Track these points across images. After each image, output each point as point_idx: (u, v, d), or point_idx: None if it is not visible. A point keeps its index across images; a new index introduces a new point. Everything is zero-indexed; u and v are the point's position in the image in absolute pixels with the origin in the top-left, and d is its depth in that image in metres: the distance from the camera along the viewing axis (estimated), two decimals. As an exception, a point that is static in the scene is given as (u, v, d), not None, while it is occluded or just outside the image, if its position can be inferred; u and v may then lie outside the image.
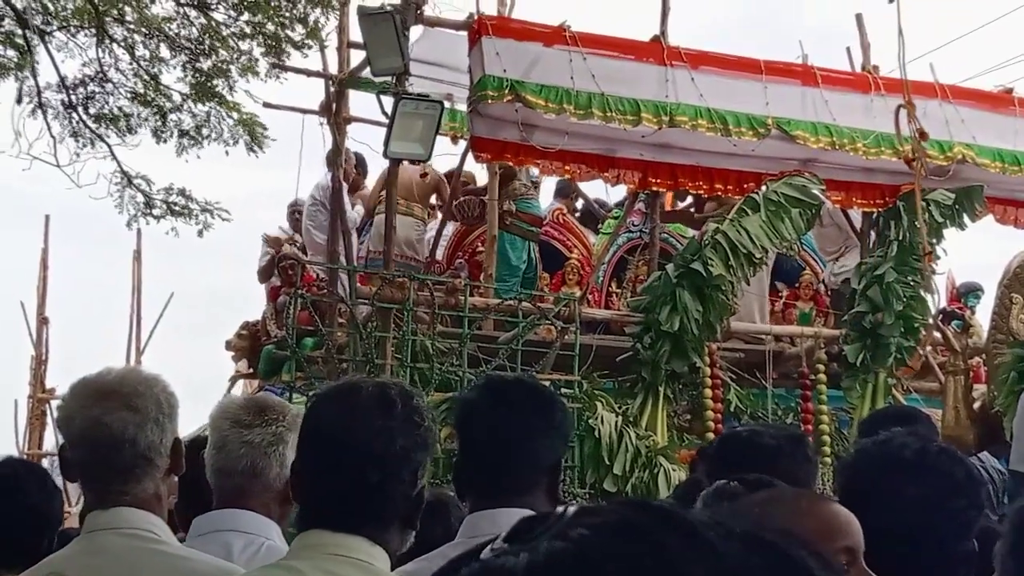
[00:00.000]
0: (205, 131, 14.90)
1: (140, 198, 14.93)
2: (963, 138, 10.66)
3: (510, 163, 10.45)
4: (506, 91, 9.35)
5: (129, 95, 14.79)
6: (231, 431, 3.30)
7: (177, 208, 14.96)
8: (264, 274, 12.66)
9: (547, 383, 7.98)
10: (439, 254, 11.48)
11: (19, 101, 14.33)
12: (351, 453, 2.55)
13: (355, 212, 11.54)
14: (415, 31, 10.06)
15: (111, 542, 2.83)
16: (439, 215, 12.60)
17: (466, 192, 11.82)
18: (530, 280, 11.25)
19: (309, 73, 11.84)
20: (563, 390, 8.81)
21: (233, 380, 13.96)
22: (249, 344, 12.30)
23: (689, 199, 12.39)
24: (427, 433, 2.63)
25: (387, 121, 9.63)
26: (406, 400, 2.63)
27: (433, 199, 12.48)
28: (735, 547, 0.80)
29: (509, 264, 11.05)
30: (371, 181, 12.56)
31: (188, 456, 3.04)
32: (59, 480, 4.20)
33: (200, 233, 15.14)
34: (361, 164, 12.51)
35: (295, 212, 12.79)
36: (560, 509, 0.86)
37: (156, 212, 14.99)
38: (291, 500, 3.02)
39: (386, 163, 9.96)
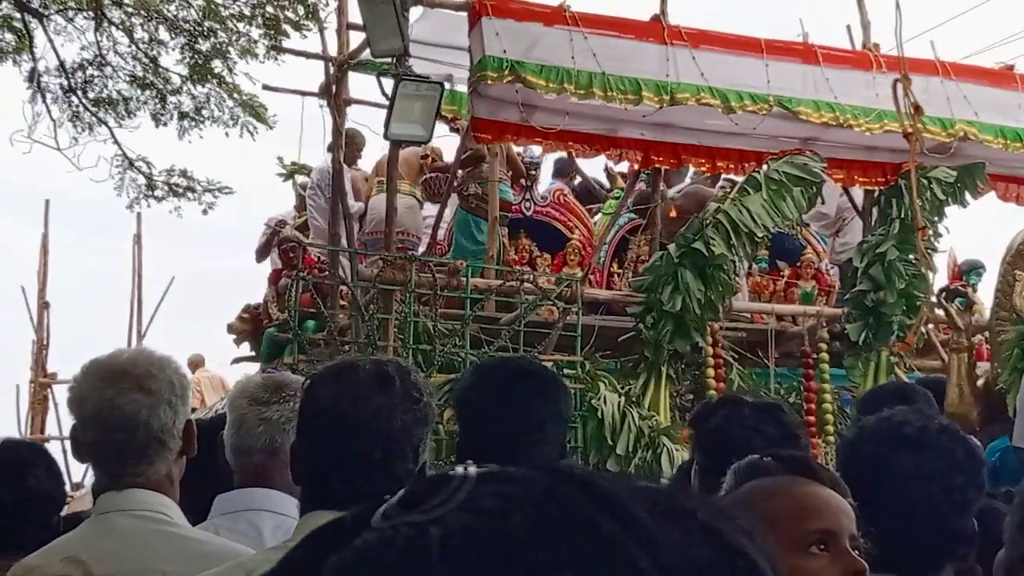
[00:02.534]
0: (205, 112, 14.92)
1: (141, 180, 14.95)
2: (965, 115, 10.63)
3: (512, 142, 10.44)
4: (506, 72, 9.32)
5: (128, 78, 14.79)
6: (249, 409, 3.30)
7: (179, 189, 14.98)
8: (261, 254, 12.69)
9: (549, 364, 7.99)
10: (440, 235, 11.47)
11: (31, 81, 14.30)
12: (353, 432, 2.54)
13: (357, 206, 11.50)
14: (415, 12, 10.03)
15: (123, 524, 2.83)
16: None
17: (433, 169, 11.79)
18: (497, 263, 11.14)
19: (308, 55, 11.80)
20: (565, 371, 8.80)
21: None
22: (251, 327, 12.28)
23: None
24: (427, 409, 2.64)
25: (387, 103, 9.61)
26: (404, 376, 2.62)
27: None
28: (661, 523, 0.75)
29: (476, 245, 11.01)
30: (364, 163, 12.56)
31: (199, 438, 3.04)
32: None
33: (205, 212, 15.18)
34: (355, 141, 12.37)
35: (302, 194, 12.83)
36: (460, 470, 0.79)
37: (158, 194, 15.01)
38: None
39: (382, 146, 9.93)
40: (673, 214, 11.26)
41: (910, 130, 9.46)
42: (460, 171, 11.19)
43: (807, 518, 2.10)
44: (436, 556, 0.72)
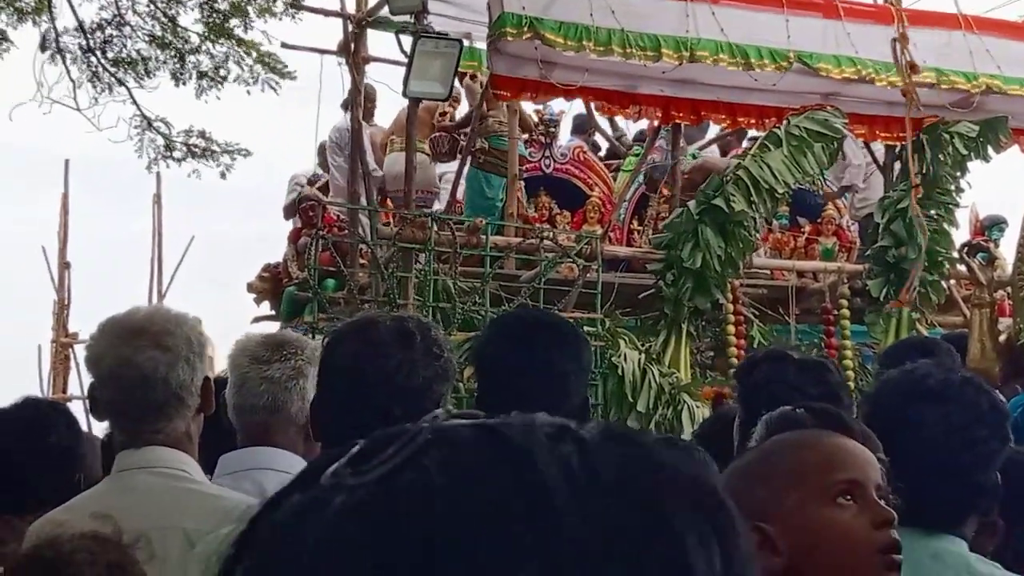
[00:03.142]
0: (224, 72, 14.90)
1: (160, 141, 14.95)
2: (987, 69, 10.53)
3: (531, 99, 10.42)
4: (525, 28, 9.28)
5: (147, 38, 14.77)
6: (250, 368, 3.27)
7: (197, 150, 14.98)
8: (288, 211, 12.69)
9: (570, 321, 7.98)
10: (460, 193, 11.44)
11: (43, 48, 14.29)
12: (374, 388, 2.53)
13: (380, 173, 11.47)
14: (434, -32, 9.99)
15: (143, 481, 2.84)
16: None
17: (440, 129, 11.72)
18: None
19: (327, 13, 11.73)
20: (586, 328, 8.78)
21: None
22: (271, 286, 12.29)
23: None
24: (447, 364, 2.63)
25: (406, 60, 9.58)
26: (424, 332, 2.61)
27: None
28: (583, 505, 0.71)
29: (486, 200, 10.98)
30: (380, 119, 12.52)
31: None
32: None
33: (223, 175, 15.20)
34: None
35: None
36: (426, 421, 0.77)
37: (176, 155, 15.02)
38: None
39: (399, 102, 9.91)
40: (658, 159, 11.28)
41: (906, 88, 9.44)
42: (467, 128, 11.16)
43: (833, 469, 2.10)
44: (321, 531, 0.72)
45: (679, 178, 11.01)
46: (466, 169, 11.16)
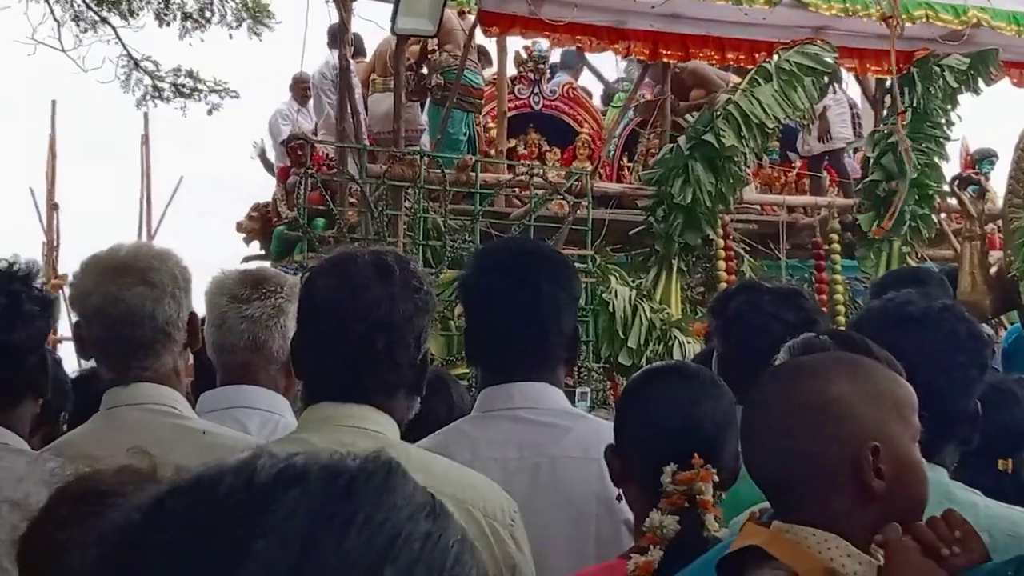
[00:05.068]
0: (207, 14, 14.83)
1: (147, 80, 14.89)
2: (978, 2, 10.50)
3: (520, 35, 10.35)
4: (514, -37, 9.24)
5: (130, -25, 14.68)
6: (229, 307, 3.24)
7: (185, 89, 14.93)
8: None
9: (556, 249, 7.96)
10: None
11: None
12: (354, 322, 2.50)
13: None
14: (420, -97, 9.89)
15: (133, 417, 2.80)
16: None
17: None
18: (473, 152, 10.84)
19: (313, -50, 11.66)
20: (576, 264, 8.77)
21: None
22: (260, 226, 12.25)
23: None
24: (427, 297, 2.59)
25: (393, -3, 9.52)
26: (403, 266, 2.58)
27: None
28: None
29: (448, 139, 10.74)
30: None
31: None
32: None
33: (210, 112, 15.15)
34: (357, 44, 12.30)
35: (301, 87, 12.76)
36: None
37: (164, 94, 14.96)
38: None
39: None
40: (648, 97, 11.25)
41: (889, 14, 9.39)
42: (425, 65, 11.02)
43: (915, 411, 2.10)
44: None
45: (668, 114, 10.97)
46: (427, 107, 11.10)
